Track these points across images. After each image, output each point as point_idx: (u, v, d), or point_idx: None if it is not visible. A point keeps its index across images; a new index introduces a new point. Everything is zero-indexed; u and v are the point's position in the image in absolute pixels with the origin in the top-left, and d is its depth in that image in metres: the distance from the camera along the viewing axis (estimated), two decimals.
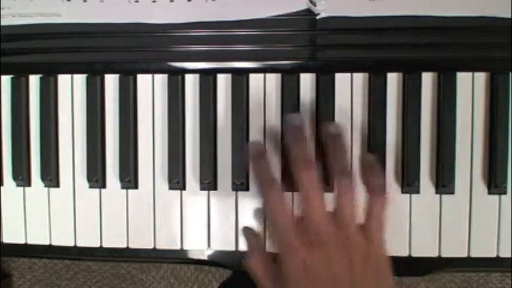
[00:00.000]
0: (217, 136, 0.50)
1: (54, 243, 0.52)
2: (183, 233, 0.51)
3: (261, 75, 0.50)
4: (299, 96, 0.49)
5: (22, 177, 0.52)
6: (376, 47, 0.48)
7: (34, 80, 0.52)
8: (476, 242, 0.48)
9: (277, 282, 0.43)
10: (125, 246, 0.51)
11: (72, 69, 0.52)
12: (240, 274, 0.56)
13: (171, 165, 0.50)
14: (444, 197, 0.48)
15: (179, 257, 0.51)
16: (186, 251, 0.51)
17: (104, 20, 0.50)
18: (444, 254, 0.48)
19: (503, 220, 0.47)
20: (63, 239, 0.52)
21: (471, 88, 0.48)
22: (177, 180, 0.50)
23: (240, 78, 0.49)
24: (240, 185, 0.49)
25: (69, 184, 0.52)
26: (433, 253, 0.48)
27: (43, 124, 0.52)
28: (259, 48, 0.49)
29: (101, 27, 0.50)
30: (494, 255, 0.48)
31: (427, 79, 0.48)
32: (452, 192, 0.47)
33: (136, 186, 0.51)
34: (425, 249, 0.48)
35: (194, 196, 0.50)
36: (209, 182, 0.50)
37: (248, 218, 0.50)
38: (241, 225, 0.50)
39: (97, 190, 0.52)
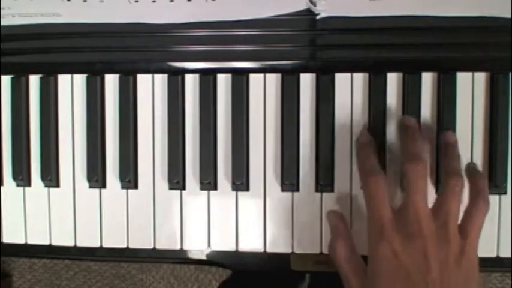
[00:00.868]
0: (217, 136, 0.50)
1: (54, 243, 0.52)
2: (183, 233, 0.51)
3: (261, 75, 0.50)
4: (299, 96, 0.49)
5: (22, 177, 0.52)
6: (376, 47, 0.48)
7: (34, 80, 0.52)
8: None
9: (359, 270, 0.43)
10: (125, 246, 0.51)
11: (72, 69, 0.52)
12: (240, 274, 0.56)
13: (171, 165, 0.50)
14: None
15: (179, 257, 0.51)
16: (186, 251, 0.51)
17: (104, 20, 0.50)
18: None
19: (503, 220, 0.47)
20: (63, 239, 0.52)
21: (471, 88, 0.48)
22: (177, 180, 0.50)
23: (240, 78, 0.49)
24: (240, 185, 0.49)
25: (69, 184, 0.52)
26: None
27: (43, 124, 0.52)
28: (259, 48, 0.49)
29: (101, 27, 0.50)
30: (494, 255, 0.48)
31: (427, 79, 0.48)
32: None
33: (136, 186, 0.51)
34: None
35: (194, 196, 0.50)
36: (209, 182, 0.50)
37: (248, 218, 0.50)
38: (241, 225, 0.50)
39: (97, 190, 0.52)
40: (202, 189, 0.50)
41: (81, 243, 0.52)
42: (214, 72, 0.50)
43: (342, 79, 0.49)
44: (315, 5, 0.47)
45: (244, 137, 0.49)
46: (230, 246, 0.50)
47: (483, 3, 0.46)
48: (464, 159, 0.47)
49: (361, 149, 0.47)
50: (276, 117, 0.49)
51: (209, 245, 0.50)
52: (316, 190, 0.49)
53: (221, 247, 0.50)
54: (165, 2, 0.49)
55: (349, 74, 0.49)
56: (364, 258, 0.44)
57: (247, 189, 0.50)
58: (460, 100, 0.47)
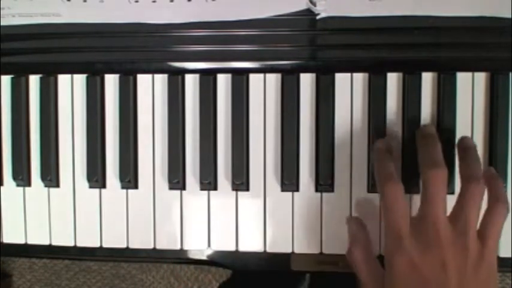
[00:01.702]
0: (217, 136, 0.50)
1: (54, 243, 0.52)
2: (183, 233, 0.51)
3: (261, 75, 0.50)
4: (299, 96, 0.49)
5: (22, 177, 0.52)
6: (376, 47, 0.48)
7: (34, 80, 0.52)
8: None
9: (377, 276, 0.43)
10: (125, 246, 0.51)
11: (72, 69, 0.52)
12: (240, 274, 0.56)
13: (171, 165, 0.50)
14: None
15: (179, 257, 0.51)
16: (186, 251, 0.51)
17: (104, 20, 0.50)
18: None
19: None
20: (63, 239, 0.52)
21: (471, 88, 0.48)
22: (177, 180, 0.50)
23: (240, 78, 0.49)
24: (240, 185, 0.49)
25: (69, 184, 0.52)
26: None
27: (43, 124, 0.52)
28: (259, 48, 0.49)
29: (101, 27, 0.50)
30: None
31: (427, 79, 0.48)
32: (452, 192, 0.47)
33: (136, 186, 0.51)
34: None
35: (194, 196, 0.50)
36: (209, 182, 0.50)
37: (248, 218, 0.50)
38: (241, 225, 0.50)
39: (97, 190, 0.52)
40: (202, 189, 0.50)
41: (81, 243, 0.52)
42: (214, 72, 0.50)
43: (342, 79, 0.49)
44: (315, 5, 0.47)
45: (244, 137, 0.49)
46: (230, 246, 0.50)
47: (483, 3, 0.46)
48: None
49: (378, 156, 0.45)
50: (276, 117, 0.49)
51: (209, 245, 0.50)
52: (316, 190, 0.49)
53: (221, 247, 0.50)
54: (165, 2, 0.49)
55: (349, 74, 0.49)
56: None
57: (247, 189, 0.50)
58: (460, 100, 0.47)
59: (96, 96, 0.51)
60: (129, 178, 0.50)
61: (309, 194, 0.49)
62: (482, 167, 0.45)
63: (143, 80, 0.51)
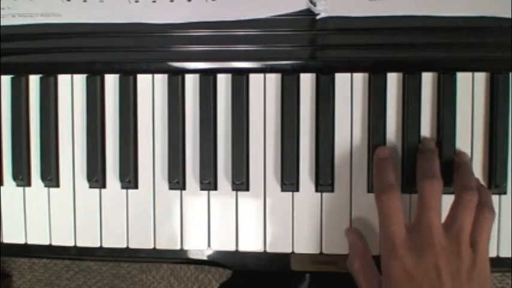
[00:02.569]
0: (217, 136, 0.50)
1: (54, 243, 0.52)
2: (183, 233, 0.51)
3: (261, 75, 0.50)
4: (299, 96, 0.49)
5: (22, 177, 0.52)
6: (376, 47, 0.48)
7: (34, 80, 0.52)
8: None
9: (376, 286, 0.43)
10: (125, 246, 0.51)
11: (72, 69, 0.52)
12: (240, 274, 0.56)
13: (171, 165, 0.50)
14: (444, 196, 0.47)
15: (179, 257, 0.51)
16: (186, 251, 0.51)
17: (104, 20, 0.50)
18: None
19: (503, 220, 0.47)
20: (63, 239, 0.52)
21: (471, 88, 0.48)
22: (177, 180, 0.50)
23: (240, 78, 0.49)
24: (240, 185, 0.49)
25: (69, 184, 0.52)
26: None
27: (43, 124, 0.52)
28: (259, 48, 0.49)
29: (101, 27, 0.50)
30: (494, 255, 0.48)
31: (427, 79, 0.48)
32: (453, 192, 0.47)
33: (136, 186, 0.51)
34: None
35: (194, 196, 0.50)
36: (209, 182, 0.50)
37: (248, 218, 0.50)
38: (241, 225, 0.50)
39: (97, 190, 0.52)
40: (202, 189, 0.50)
41: (81, 243, 0.52)
42: (214, 72, 0.50)
43: (342, 79, 0.49)
44: (315, 5, 0.47)
45: (244, 137, 0.49)
46: (230, 246, 0.50)
47: (483, 3, 0.46)
48: None
49: (378, 164, 0.46)
50: (276, 117, 0.49)
51: (209, 245, 0.50)
52: (316, 190, 0.49)
53: (221, 247, 0.50)
54: (165, 2, 0.49)
55: (349, 74, 0.49)
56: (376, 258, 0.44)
57: (247, 189, 0.50)
58: (460, 100, 0.47)
59: (96, 96, 0.51)
60: (129, 178, 0.50)
61: (309, 194, 0.49)
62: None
63: (143, 80, 0.51)
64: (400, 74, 0.48)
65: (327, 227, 0.49)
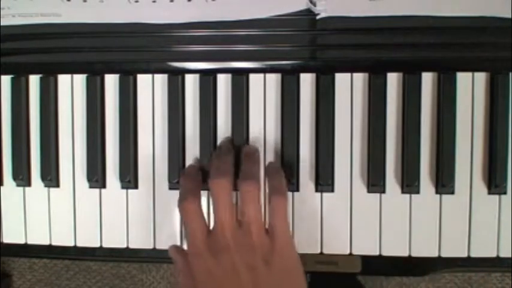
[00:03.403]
0: (217, 136, 0.50)
1: (54, 243, 0.52)
2: (183, 233, 0.51)
3: (261, 75, 0.50)
4: (299, 96, 0.49)
5: (22, 177, 0.52)
6: (376, 47, 0.48)
7: (34, 80, 0.52)
8: (476, 242, 0.48)
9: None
10: (125, 246, 0.51)
11: (72, 69, 0.52)
12: None
13: (171, 165, 0.50)
14: (444, 197, 0.48)
15: None
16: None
17: (104, 20, 0.50)
18: (444, 254, 0.48)
19: (503, 220, 0.47)
20: (63, 239, 0.52)
21: (471, 88, 0.48)
22: (177, 180, 0.50)
23: (240, 78, 0.49)
24: None
25: (69, 184, 0.52)
26: (433, 253, 0.48)
27: (43, 124, 0.52)
28: (259, 48, 0.49)
29: (101, 27, 0.50)
30: (494, 255, 0.48)
31: (427, 79, 0.48)
32: (453, 192, 0.47)
33: (136, 186, 0.51)
34: (425, 249, 0.48)
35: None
36: None
37: None
38: None
39: (97, 190, 0.52)
40: (202, 189, 0.50)
41: (81, 243, 0.52)
42: (214, 72, 0.50)
43: (342, 79, 0.49)
44: (315, 5, 0.48)
45: (244, 137, 0.49)
46: None
47: (483, 3, 0.46)
48: (464, 159, 0.48)
49: (183, 173, 0.48)
50: (276, 117, 0.49)
51: None
52: (316, 190, 0.49)
53: None
54: (165, 2, 0.49)
55: (349, 74, 0.49)
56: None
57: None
58: (460, 100, 0.47)
59: (96, 96, 0.51)
60: (129, 178, 0.50)
61: (309, 194, 0.49)
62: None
63: (143, 80, 0.51)
64: (400, 74, 0.48)
65: (327, 227, 0.49)
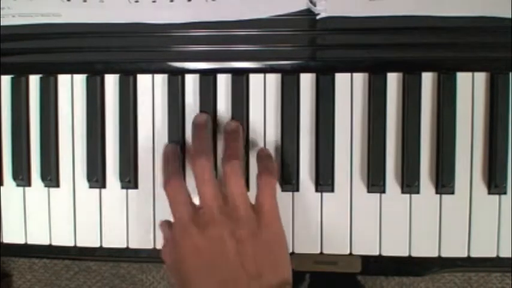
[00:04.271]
0: (217, 136, 0.50)
1: (54, 243, 0.52)
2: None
3: (261, 75, 0.50)
4: (299, 96, 0.49)
5: (22, 177, 0.52)
6: (376, 47, 0.48)
7: (34, 80, 0.52)
8: (476, 242, 0.48)
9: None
10: (125, 246, 0.51)
11: (72, 69, 0.52)
12: None
13: None
14: (444, 197, 0.48)
15: None
16: None
17: (104, 20, 0.50)
18: (444, 254, 0.48)
19: (503, 220, 0.47)
20: (63, 239, 0.52)
21: (471, 88, 0.48)
22: None
23: (240, 78, 0.49)
24: None
25: (69, 184, 0.52)
26: (433, 253, 0.48)
27: (43, 124, 0.52)
28: (259, 48, 0.49)
29: (101, 27, 0.50)
30: (494, 255, 0.48)
31: (427, 79, 0.48)
32: (452, 192, 0.47)
33: (136, 186, 0.51)
34: (425, 249, 0.48)
35: (194, 196, 0.50)
36: None
37: None
38: None
39: (97, 190, 0.52)
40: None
41: (81, 243, 0.52)
42: (214, 72, 0.50)
43: (342, 79, 0.49)
44: (315, 5, 0.48)
45: (244, 137, 0.49)
46: None
47: (483, 3, 0.46)
48: (464, 159, 0.48)
49: (164, 156, 0.48)
50: (276, 117, 0.49)
51: None
52: (316, 190, 0.49)
53: None
54: (165, 2, 0.49)
55: (349, 74, 0.49)
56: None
57: (247, 189, 0.49)
58: (460, 100, 0.47)
59: (96, 96, 0.51)
60: (129, 178, 0.50)
61: (309, 194, 0.49)
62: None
63: (143, 80, 0.51)
64: (400, 74, 0.48)
65: (327, 227, 0.49)
